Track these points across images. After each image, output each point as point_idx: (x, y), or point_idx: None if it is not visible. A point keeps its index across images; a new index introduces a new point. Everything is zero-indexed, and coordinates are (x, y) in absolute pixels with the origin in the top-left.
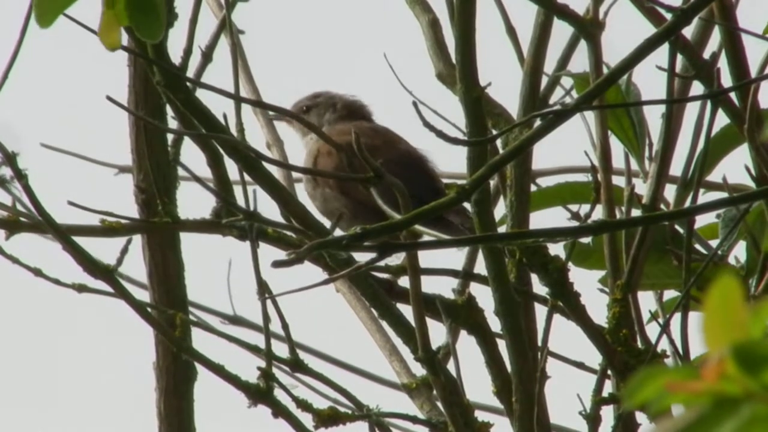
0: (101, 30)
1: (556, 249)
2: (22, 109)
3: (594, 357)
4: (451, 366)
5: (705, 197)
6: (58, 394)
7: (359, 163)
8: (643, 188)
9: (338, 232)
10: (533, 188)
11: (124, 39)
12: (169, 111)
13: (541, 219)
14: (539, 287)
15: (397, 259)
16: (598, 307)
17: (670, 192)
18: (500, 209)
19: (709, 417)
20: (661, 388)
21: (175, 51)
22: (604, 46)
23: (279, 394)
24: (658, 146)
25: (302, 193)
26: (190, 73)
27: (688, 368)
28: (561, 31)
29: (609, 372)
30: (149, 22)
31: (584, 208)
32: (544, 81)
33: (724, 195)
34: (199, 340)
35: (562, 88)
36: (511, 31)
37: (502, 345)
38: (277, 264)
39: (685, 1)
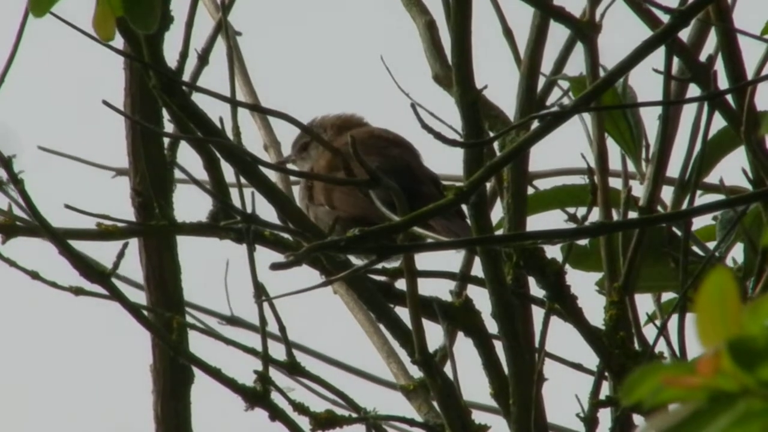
0: (95, 20)
1: (553, 251)
2: (19, 111)
3: (591, 359)
4: (448, 368)
5: (702, 199)
6: (55, 397)
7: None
8: (640, 190)
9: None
10: (530, 191)
11: (121, 43)
12: (166, 114)
13: (538, 222)
14: (536, 289)
15: (394, 261)
16: (595, 309)
17: (667, 194)
18: (497, 212)
19: (704, 412)
20: (658, 385)
21: (171, 54)
22: (601, 49)
23: (276, 397)
24: (655, 148)
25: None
26: (187, 76)
27: (684, 364)
28: (558, 34)
29: (606, 374)
30: (143, 13)
31: (581, 211)
32: (541, 83)
33: (721, 197)
34: (196, 342)
35: (559, 88)
36: (508, 34)
37: (499, 347)
38: (275, 266)
39: (682, 3)
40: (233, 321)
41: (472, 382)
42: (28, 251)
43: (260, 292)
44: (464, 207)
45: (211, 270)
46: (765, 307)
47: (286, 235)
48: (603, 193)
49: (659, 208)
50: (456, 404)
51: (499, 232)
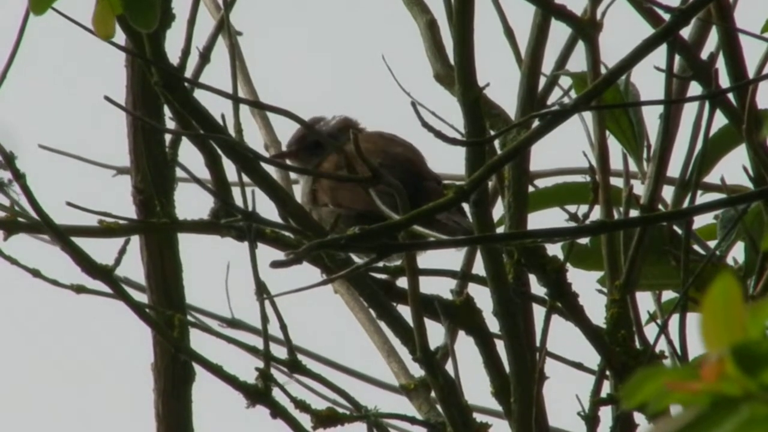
0: (95, 19)
1: (554, 250)
2: (21, 110)
3: (592, 358)
4: (449, 367)
5: (703, 198)
6: (56, 395)
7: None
8: (641, 189)
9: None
10: (531, 189)
11: (122, 40)
12: (167, 112)
13: (539, 220)
14: (538, 288)
15: (396, 259)
16: (596, 307)
17: (668, 193)
18: (498, 210)
19: (707, 417)
20: (660, 388)
21: (173, 52)
22: (602, 47)
23: (277, 394)
24: (656, 147)
25: (300, 194)
26: (188, 73)
27: (687, 368)
28: (559, 32)
29: (607, 373)
30: (143, 10)
31: (582, 209)
32: (542, 82)
33: (722, 196)
34: (198, 342)
35: (560, 88)
36: (509, 32)
37: (500, 346)
38: (276, 264)
39: (684, 1)
40: (234, 323)
41: (473, 381)
42: (29, 249)
43: (262, 290)
44: (465, 206)
45: (211, 272)
46: (765, 309)
47: (287, 233)
48: (604, 191)
49: (660, 206)
50: (457, 402)
51: (500, 229)
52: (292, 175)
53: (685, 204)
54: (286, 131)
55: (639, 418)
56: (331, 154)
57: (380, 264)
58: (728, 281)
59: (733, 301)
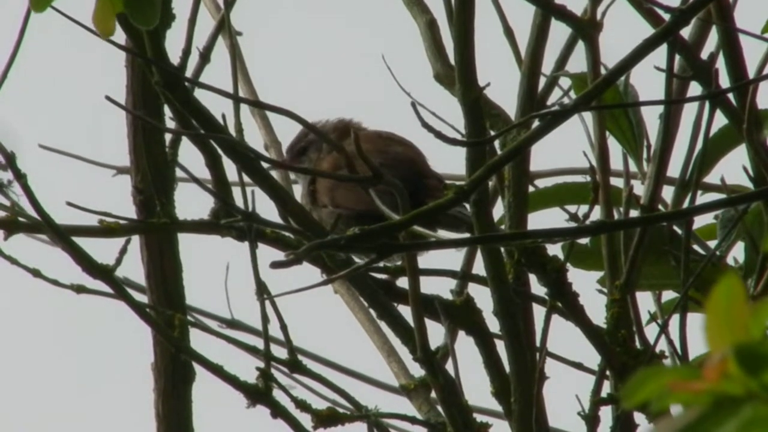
0: (96, 16)
1: (554, 250)
2: (21, 109)
3: (592, 357)
4: (449, 367)
5: (703, 198)
6: (56, 395)
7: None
8: (641, 189)
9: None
10: (531, 189)
11: (123, 40)
12: (167, 112)
13: (539, 220)
14: (538, 288)
15: (396, 259)
16: (596, 307)
17: (668, 193)
18: (498, 210)
19: (709, 417)
20: (661, 388)
21: (173, 51)
22: (602, 47)
23: (278, 394)
24: (656, 147)
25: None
26: (189, 73)
27: (689, 368)
28: (559, 32)
29: (607, 372)
30: (144, 8)
31: (582, 209)
32: (542, 82)
33: (722, 196)
34: (198, 343)
35: (560, 88)
36: (509, 32)
37: (500, 345)
38: (276, 264)
39: (684, 1)
40: (233, 324)
41: (473, 381)
42: (29, 249)
43: (262, 290)
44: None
45: (211, 272)
46: (766, 309)
47: (287, 233)
48: (604, 191)
49: (660, 206)
50: (457, 402)
51: (501, 229)
52: (292, 175)
53: (685, 204)
54: (286, 131)
55: (639, 418)
56: (317, 155)
57: (380, 264)
58: (732, 282)
59: (737, 301)
